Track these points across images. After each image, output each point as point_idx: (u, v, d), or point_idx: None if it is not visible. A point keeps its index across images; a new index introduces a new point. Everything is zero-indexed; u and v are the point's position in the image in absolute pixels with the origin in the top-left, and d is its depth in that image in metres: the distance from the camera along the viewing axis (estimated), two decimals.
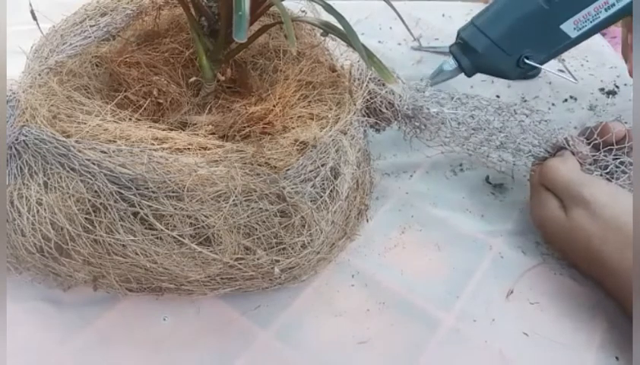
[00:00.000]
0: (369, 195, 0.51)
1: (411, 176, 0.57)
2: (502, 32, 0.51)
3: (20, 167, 0.41)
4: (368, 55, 0.34)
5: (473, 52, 0.52)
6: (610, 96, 0.68)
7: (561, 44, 0.52)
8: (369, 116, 0.51)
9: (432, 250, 0.50)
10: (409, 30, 0.40)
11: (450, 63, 0.54)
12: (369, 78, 0.50)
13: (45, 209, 0.39)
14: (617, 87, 0.69)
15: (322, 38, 0.51)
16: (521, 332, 0.44)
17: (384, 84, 0.50)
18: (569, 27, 0.49)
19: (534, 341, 0.44)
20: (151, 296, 0.44)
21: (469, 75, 0.54)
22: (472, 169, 0.57)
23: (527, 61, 0.51)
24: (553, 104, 0.66)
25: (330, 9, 0.34)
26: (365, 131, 0.52)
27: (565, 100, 0.66)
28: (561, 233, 0.47)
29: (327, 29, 0.38)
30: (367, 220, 0.50)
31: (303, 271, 0.44)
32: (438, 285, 0.47)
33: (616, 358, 0.43)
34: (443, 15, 0.82)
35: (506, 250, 0.50)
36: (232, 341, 0.43)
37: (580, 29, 0.49)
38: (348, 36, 0.34)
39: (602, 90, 0.69)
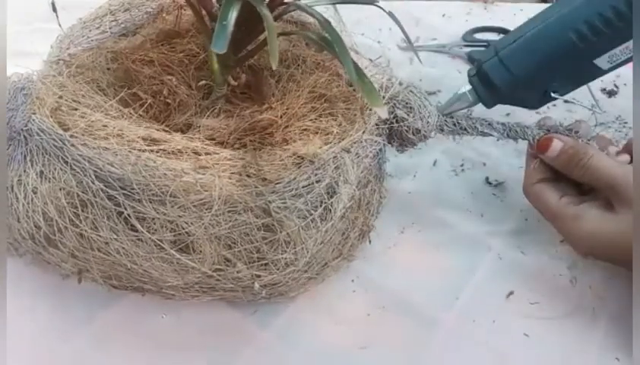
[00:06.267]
0: (375, 215, 0.49)
1: (414, 176, 0.56)
2: (528, 70, 0.48)
3: (25, 154, 0.42)
4: (358, 75, 0.33)
5: (496, 89, 0.49)
6: (610, 96, 0.67)
7: (592, 77, 0.48)
8: (393, 138, 0.49)
9: (431, 250, 0.50)
10: (405, 32, 0.38)
11: (467, 94, 0.51)
12: (395, 102, 0.48)
13: (39, 198, 0.40)
14: (617, 87, 0.68)
15: None
16: (522, 333, 0.44)
17: (412, 109, 0.48)
18: (603, 61, 0.46)
19: (534, 341, 0.44)
20: (151, 296, 0.43)
21: (488, 107, 0.51)
22: (473, 170, 0.58)
23: (553, 94, 0.48)
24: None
25: (325, 25, 0.33)
26: (380, 149, 0.50)
27: (566, 101, 0.63)
28: (615, 237, 0.43)
29: (323, 44, 0.36)
30: (369, 242, 0.49)
31: (290, 289, 0.43)
32: (438, 286, 0.47)
33: (617, 359, 0.42)
34: (443, 15, 0.81)
35: (506, 250, 0.50)
36: (231, 343, 0.43)
37: (614, 62, 0.46)
38: (339, 55, 0.32)
39: (603, 90, 0.68)
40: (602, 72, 0.47)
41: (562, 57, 0.46)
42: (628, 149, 0.48)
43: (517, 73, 0.48)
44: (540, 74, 0.48)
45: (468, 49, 0.74)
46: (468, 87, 0.50)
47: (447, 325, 0.45)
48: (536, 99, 0.49)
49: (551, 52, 0.46)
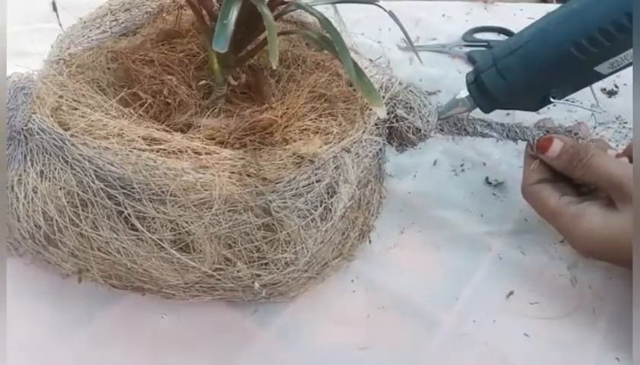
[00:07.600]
0: (375, 215, 0.49)
1: (414, 176, 0.56)
2: (527, 80, 0.47)
3: (25, 154, 0.42)
4: (358, 75, 0.33)
5: (494, 98, 0.48)
6: (610, 96, 0.68)
7: (591, 81, 0.48)
8: (392, 138, 0.49)
9: (431, 250, 0.50)
10: (405, 32, 0.38)
11: (465, 100, 0.50)
12: (395, 102, 0.48)
13: (39, 198, 0.40)
14: (617, 86, 0.69)
15: None
16: (522, 333, 0.44)
17: (412, 108, 0.48)
18: (604, 68, 0.45)
19: (535, 341, 0.44)
20: (151, 296, 0.43)
21: (486, 113, 0.51)
22: (473, 170, 0.58)
23: (552, 99, 0.48)
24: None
25: (325, 24, 0.33)
26: (380, 149, 0.50)
27: (566, 100, 0.64)
28: (617, 234, 0.42)
29: (324, 44, 0.36)
30: (369, 242, 0.49)
31: (289, 289, 0.43)
32: (438, 286, 0.47)
33: (617, 359, 0.42)
34: (443, 15, 0.81)
35: (506, 250, 0.50)
36: (231, 343, 0.43)
37: (615, 67, 0.45)
38: (339, 54, 0.32)
39: (603, 89, 0.68)
40: (602, 77, 0.46)
41: (561, 68, 0.46)
42: (627, 153, 0.47)
43: (515, 84, 0.47)
44: (539, 83, 0.47)
45: (468, 49, 0.74)
46: (466, 93, 0.50)
47: (447, 325, 0.45)
48: (535, 104, 0.49)
49: (550, 64, 0.46)
